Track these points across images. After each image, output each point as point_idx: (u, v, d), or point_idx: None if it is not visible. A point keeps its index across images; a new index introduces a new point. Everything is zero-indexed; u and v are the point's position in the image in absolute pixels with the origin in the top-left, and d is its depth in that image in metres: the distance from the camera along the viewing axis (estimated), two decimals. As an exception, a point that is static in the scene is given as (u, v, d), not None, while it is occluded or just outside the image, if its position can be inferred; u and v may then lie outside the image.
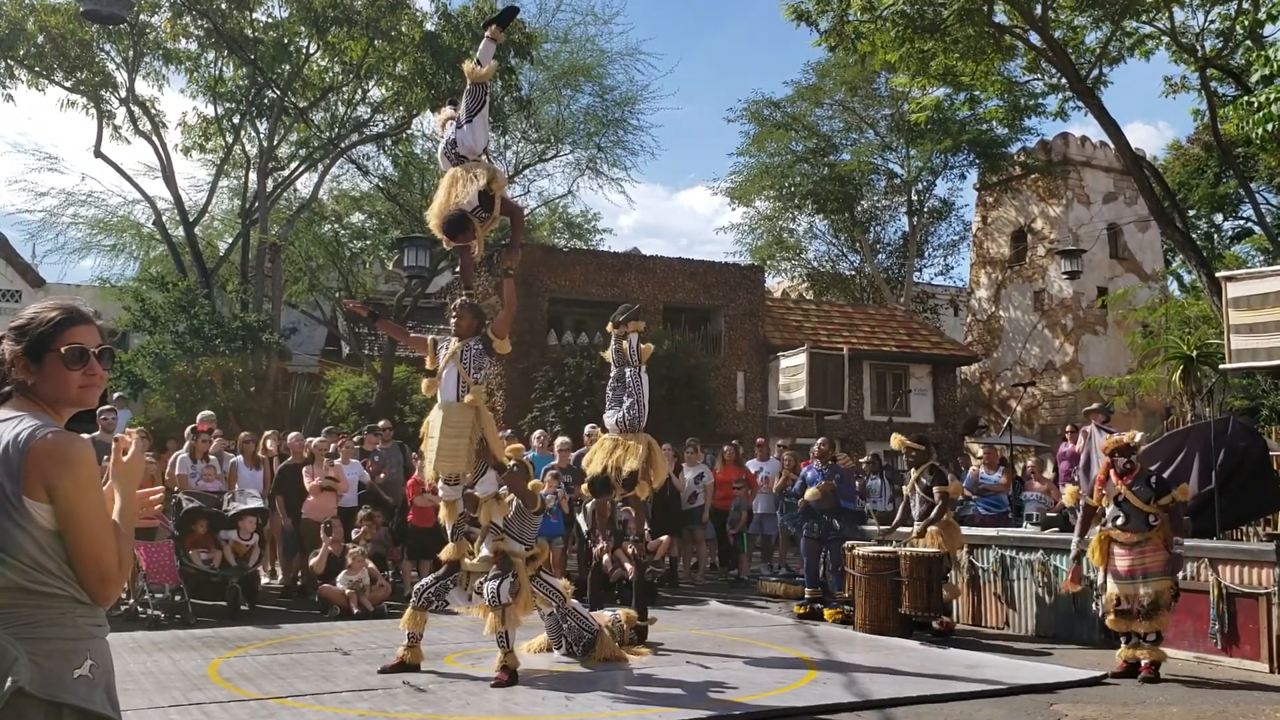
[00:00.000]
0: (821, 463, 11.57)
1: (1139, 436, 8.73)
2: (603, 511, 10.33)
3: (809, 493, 11.35)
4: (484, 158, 8.43)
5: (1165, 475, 9.49)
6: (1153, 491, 8.06)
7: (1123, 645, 8.19)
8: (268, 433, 13.43)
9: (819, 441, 11.91)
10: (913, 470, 10.58)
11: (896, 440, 10.78)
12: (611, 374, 9.56)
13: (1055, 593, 10.14)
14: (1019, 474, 14.45)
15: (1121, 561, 8.12)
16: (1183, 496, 8.06)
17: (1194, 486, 9.70)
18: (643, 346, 9.52)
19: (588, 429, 13.25)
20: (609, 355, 9.67)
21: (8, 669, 2.33)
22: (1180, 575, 8.62)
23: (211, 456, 12.02)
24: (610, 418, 9.44)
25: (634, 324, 9.54)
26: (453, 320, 8.12)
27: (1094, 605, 9.35)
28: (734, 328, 23.14)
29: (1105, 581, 8.29)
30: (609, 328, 9.76)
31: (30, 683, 2.35)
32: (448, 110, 8.88)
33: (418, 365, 20.98)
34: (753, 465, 15.16)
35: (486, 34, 8.55)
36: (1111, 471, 8.30)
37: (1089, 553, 8.42)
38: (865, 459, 15.19)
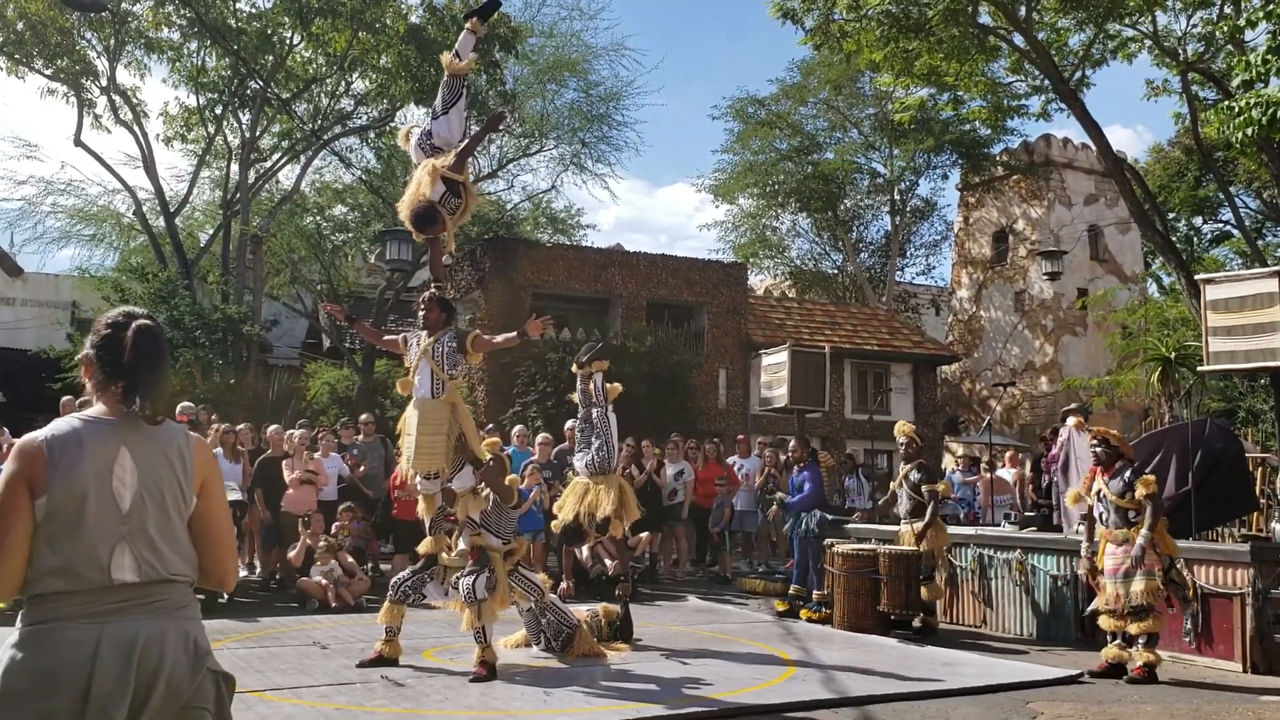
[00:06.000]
0: (799, 467, 11.55)
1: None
2: (568, 556, 10.54)
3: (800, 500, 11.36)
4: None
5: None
6: (1127, 485, 8.00)
7: (1109, 645, 8.10)
8: (240, 425, 13.32)
9: (790, 447, 11.88)
10: (904, 464, 10.65)
11: (904, 428, 10.78)
12: (579, 415, 9.22)
13: (1032, 592, 10.22)
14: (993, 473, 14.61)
15: (1109, 560, 8.04)
16: (1145, 489, 7.92)
17: (1171, 487, 9.76)
18: (609, 386, 9.14)
19: (569, 424, 13.22)
20: (575, 397, 9.29)
21: (194, 650, 2.64)
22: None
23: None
24: (579, 461, 9.09)
25: (598, 364, 9.15)
26: (420, 314, 8.01)
27: (1075, 604, 9.39)
28: (716, 325, 23.16)
29: (1104, 580, 8.15)
30: (574, 369, 9.37)
31: (213, 660, 2.68)
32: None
33: (398, 360, 20.86)
34: (734, 462, 15.19)
35: (467, 26, 8.51)
36: (1095, 469, 8.29)
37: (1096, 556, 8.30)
38: (836, 460, 15.28)
